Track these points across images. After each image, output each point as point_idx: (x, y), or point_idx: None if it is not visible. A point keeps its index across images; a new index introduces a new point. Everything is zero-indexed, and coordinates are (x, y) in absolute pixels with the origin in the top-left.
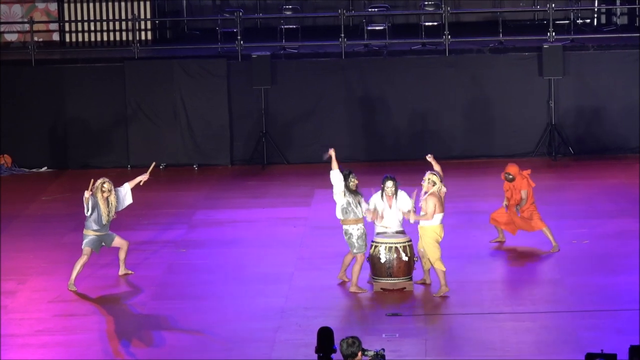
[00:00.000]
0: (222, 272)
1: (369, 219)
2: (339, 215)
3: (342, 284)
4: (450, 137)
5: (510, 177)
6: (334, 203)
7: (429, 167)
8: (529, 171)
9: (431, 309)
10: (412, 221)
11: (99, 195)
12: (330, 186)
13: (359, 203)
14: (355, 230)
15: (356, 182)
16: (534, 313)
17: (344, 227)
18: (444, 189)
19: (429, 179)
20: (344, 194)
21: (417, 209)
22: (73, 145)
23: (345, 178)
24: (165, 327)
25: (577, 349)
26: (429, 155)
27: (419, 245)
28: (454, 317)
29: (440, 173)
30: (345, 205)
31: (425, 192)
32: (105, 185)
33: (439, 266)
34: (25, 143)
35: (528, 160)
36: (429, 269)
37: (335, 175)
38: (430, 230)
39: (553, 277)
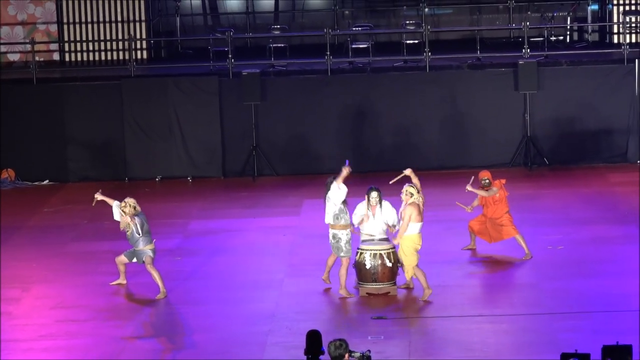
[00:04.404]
0: (216, 279)
1: (356, 223)
2: (329, 220)
3: (329, 290)
4: (431, 149)
5: (487, 181)
6: (323, 213)
7: (410, 179)
8: (503, 180)
9: (414, 312)
10: (397, 241)
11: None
12: (320, 197)
13: (347, 210)
14: (344, 235)
15: (346, 190)
16: (513, 315)
17: (333, 231)
18: (422, 199)
19: (406, 191)
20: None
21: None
22: (73, 159)
23: None
24: (161, 332)
25: (555, 349)
26: (408, 169)
27: (399, 253)
28: (436, 320)
29: (418, 185)
30: (337, 212)
31: (405, 203)
32: (124, 204)
33: (414, 272)
34: (28, 157)
35: (505, 171)
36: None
37: (342, 188)
38: (409, 240)
39: (530, 281)
